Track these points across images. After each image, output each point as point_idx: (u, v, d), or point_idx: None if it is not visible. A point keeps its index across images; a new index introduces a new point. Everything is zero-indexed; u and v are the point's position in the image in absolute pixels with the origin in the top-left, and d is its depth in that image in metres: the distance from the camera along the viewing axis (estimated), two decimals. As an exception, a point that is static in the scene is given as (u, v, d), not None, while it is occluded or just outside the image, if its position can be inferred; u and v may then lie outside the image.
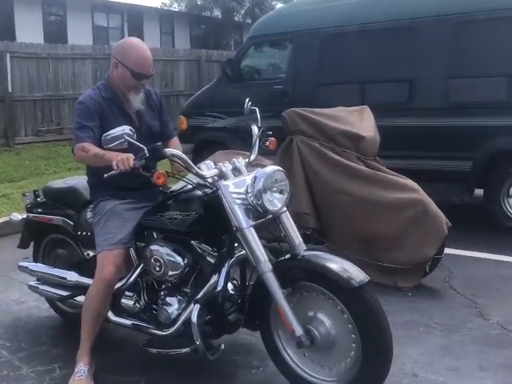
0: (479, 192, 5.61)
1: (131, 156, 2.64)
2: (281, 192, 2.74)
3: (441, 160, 5.54)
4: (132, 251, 3.17)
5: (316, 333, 2.65)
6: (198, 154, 6.68)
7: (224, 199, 2.70)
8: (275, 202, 2.72)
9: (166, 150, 2.66)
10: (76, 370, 2.97)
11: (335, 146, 4.41)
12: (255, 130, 3.10)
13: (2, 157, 10.13)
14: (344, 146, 4.40)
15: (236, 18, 26.31)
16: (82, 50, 12.82)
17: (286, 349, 2.85)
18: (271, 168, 2.72)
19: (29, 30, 17.60)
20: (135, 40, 3.11)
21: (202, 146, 7.05)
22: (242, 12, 26.69)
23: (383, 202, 4.10)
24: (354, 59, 6.13)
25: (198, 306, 2.78)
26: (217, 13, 26.43)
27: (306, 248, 2.79)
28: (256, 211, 2.72)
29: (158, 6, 24.67)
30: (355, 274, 2.55)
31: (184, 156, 2.72)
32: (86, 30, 20.62)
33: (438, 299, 3.98)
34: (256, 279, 2.82)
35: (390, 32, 5.83)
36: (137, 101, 3.08)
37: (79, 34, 19.29)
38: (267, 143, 3.15)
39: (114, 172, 2.65)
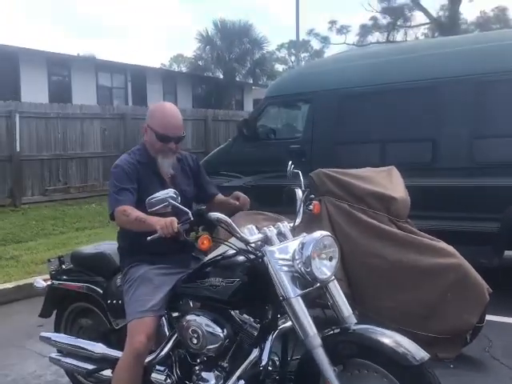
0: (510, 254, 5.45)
1: (175, 220, 2.56)
2: (330, 259, 2.59)
3: (467, 221, 5.40)
4: (164, 321, 3.00)
5: (370, 415, 2.44)
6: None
7: (270, 266, 2.55)
8: (324, 269, 2.57)
9: (211, 214, 2.55)
10: None
11: (365, 208, 4.28)
12: (299, 193, 2.99)
13: (9, 217, 10.01)
14: (374, 208, 4.26)
15: (237, 78, 26.77)
16: (91, 109, 12.91)
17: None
18: (320, 233, 2.58)
19: (34, 90, 17.77)
20: (165, 104, 3.08)
21: (218, 206, 6.93)
22: (243, 72, 27.20)
23: (419, 266, 3.94)
24: (372, 119, 6.09)
25: (242, 383, 2.59)
26: (218, 73, 26.92)
27: (356, 321, 2.62)
28: (303, 279, 2.57)
29: (158, 66, 25.05)
30: (414, 350, 2.37)
31: (228, 220, 2.59)
32: (90, 89, 20.85)
33: (483, 371, 3.78)
34: (302, 355, 2.64)
35: (411, 92, 5.80)
36: (165, 165, 3.01)
37: (84, 94, 19.49)
38: (311, 207, 3.03)
39: (156, 235, 2.57)
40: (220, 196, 3.34)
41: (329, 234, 2.62)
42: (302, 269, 2.52)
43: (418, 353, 2.35)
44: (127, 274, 3.00)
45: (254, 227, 2.77)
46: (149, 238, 2.60)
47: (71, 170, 12.08)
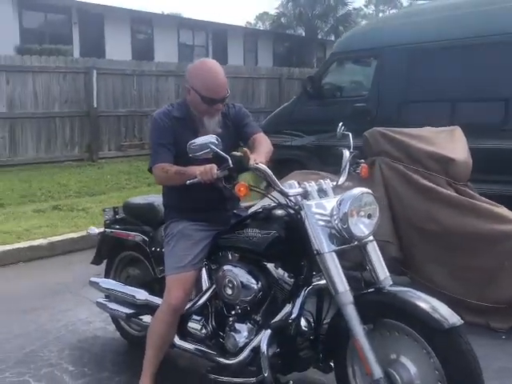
0: None
1: (214, 166, 2.57)
2: (369, 217, 2.50)
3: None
4: (204, 272, 3.03)
5: (397, 377, 2.37)
6: (275, 173, 6.50)
7: (306, 219, 2.50)
8: (361, 227, 2.48)
9: (251, 162, 2.51)
10: (141, 397, 2.81)
11: (422, 170, 4.09)
12: (346, 154, 2.88)
13: (86, 171, 10.35)
14: (432, 170, 4.06)
15: (319, 36, 26.25)
16: (166, 67, 13.03)
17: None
18: (359, 190, 2.49)
19: (118, 48, 18.22)
20: (207, 63, 2.92)
21: (279, 165, 6.84)
22: (326, 29, 26.62)
23: (476, 232, 3.74)
24: (444, 76, 5.75)
25: (268, 332, 2.59)
26: (300, 31, 26.48)
27: (392, 283, 2.52)
28: (340, 237, 2.50)
29: (243, 25, 24.97)
30: (447, 314, 2.26)
31: (268, 170, 2.54)
32: (172, 47, 21.13)
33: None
34: (334, 314, 2.59)
35: (486, 47, 5.43)
36: (212, 124, 2.93)
37: (165, 52, 19.78)
38: (358, 170, 2.91)
39: (196, 179, 2.60)
40: (259, 136, 3.00)
41: (369, 191, 2.52)
42: (339, 225, 2.45)
43: (452, 317, 2.25)
44: (168, 228, 3.02)
45: (295, 182, 2.71)
46: (188, 181, 2.63)
47: (146, 127, 12.28)
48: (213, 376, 2.77)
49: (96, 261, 3.77)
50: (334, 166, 4.69)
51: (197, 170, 2.62)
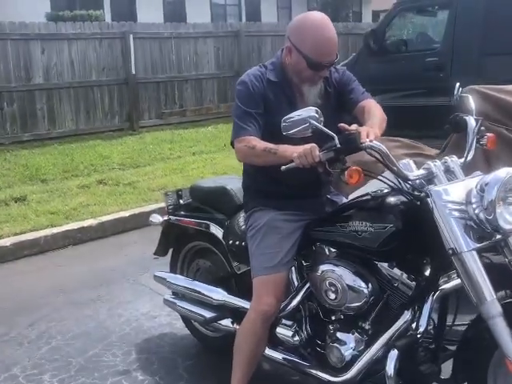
0: None
1: (315, 147, 2.06)
2: None
3: None
4: (293, 269, 2.55)
5: None
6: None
7: (436, 210, 2.01)
8: (508, 217, 1.95)
9: (363, 139, 2.00)
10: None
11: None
12: (471, 122, 2.32)
13: (127, 141, 9.92)
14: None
15: (355, -11, 25.12)
16: (204, 27, 12.40)
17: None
18: (505, 171, 1.95)
19: (149, 10, 17.65)
20: (318, 16, 2.34)
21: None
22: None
23: None
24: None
25: (395, 353, 2.11)
26: (335, -16, 25.33)
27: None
28: (479, 229, 1.99)
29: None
30: None
31: (385, 149, 2.04)
32: (204, 7, 20.42)
33: None
34: (473, 323, 2.11)
35: None
36: (312, 94, 2.39)
37: (198, 12, 19.09)
38: (484, 140, 2.35)
39: (293, 164, 2.13)
40: (368, 104, 2.44)
41: (517, 171, 1.98)
42: (482, 216, 1.95)
43: None
44: (250, 218, 2.53)
45: (410, 162, 2.22)
46: (283, 167, 2.13)
47: (186, 93, 11.77)
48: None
49: (160, 252, 3.32)
50: (404, 128, 4.13)
51: (293, 150, 2.12)
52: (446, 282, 2.24)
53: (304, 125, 2.06)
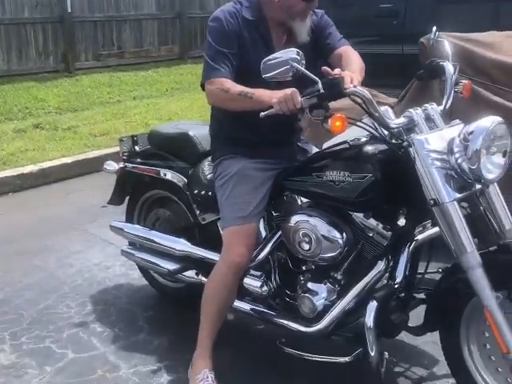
0: None
1: (296, 92, 1.95)
2: (504, 154, 1.95)
3: None
4: (261, 220, 2.47)
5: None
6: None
7: (418, 160, 1.96)
8: (490, 167, 1.93)
9: (347, 85, 1.92)
10: (199, 376, 2.29)
11: (489, 83, 3.50)
12: (450, 68, 2.25)
13: (63, 83, 9.44)
14: (502, 83, 3.47)
15: None
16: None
17: (478, 369, 2.10)
18: (491, 120, 1.91)
19: None
20: None
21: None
22: None
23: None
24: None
25: (374, 305, 2.08)
26: None
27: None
28: (459, 179, 1.95)
29: None
30: None
31: (368, 95, 1.96)
32: None
33: None
34: (447, 272, 2.12)
35: None
36: (304, 30, 2.25)
37: None
38: (458, 88, 2.29)
39: (272, 111, 2.01)
40: (345, 50, 2.34)
41: (501, 120, 1.94)
42: (465, 165, 1.91)
43: None
44: (219, 167, 2.41)
45: (389, 109, 2.14)
46: (262, 113, 2.01)
47: (125, 34, 11.23)
48: (291, 351, 2.27)
49: (115, 201, 3.15)
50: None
51: (272, 95, 2.01)
52: (421, 233, 2.23)
53: (285, 67, 1.94)
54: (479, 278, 1.90)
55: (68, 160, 5.47)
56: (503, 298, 1.93)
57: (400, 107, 3.29)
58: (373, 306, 2.06)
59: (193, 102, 8.16)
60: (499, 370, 2.05)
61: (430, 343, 2.55)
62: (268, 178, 2.35)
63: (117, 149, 5.53)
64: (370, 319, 2.05)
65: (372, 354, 2.03)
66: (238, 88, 2.13)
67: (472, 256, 1.91)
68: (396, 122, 2.04)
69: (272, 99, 1.99)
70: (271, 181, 2.36)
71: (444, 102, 2.21)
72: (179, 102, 8.20)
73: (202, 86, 2.26)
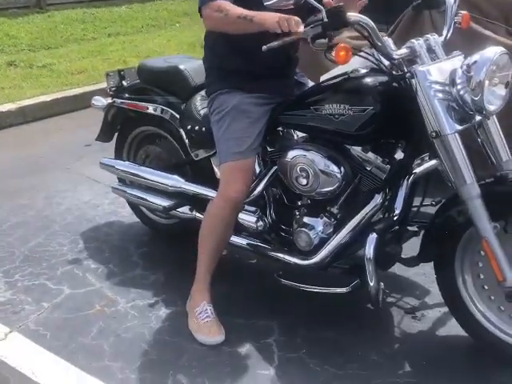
0: None
1: (299, 20, 1.90)
2: (506, 85, 1.96)
3: None
4: (257, 155, 2.45)
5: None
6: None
7: (421, 92, 1.95)
8: (492, 98, 1.93)
9: (351, 15, 1.88)
10: (197, 309, 2.33)
11: (478, 16, 3.46)
12: None
13: (35, 20, 9.07)
14: (490, 16, 3.46)
15: None
16: None
17: (472, 299, 2.16)
18: (494, 51, 1.90)
19: None
20: None
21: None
22: None
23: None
24: None
25: (374, 237, 2.10)
26: None
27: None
28: (460, 111, 1.95)
29: None
30: None
31: (372, 24, 1.93)
32: None
33: None
34: (443, 204, 2.14)
35: None
36: None
37: None
38: (457, 19, 2.26)
39: (275, 43, 1.92)
40: None
41: (504, 50, 1.93)
42: (467, 97, 1.90)
43: None
44: (215, 101, 2.35)
45: (389, 40, 2.11)
46: (264, 46, 1.95)
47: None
48: (288, 283, 2.30)
49: (103, 137, 3.10)
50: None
51: (273, 17, 1.93)
52: (419, 166, 2.24)
53: None
54: (478, 209, 1.93)
55: (47, 98, 5.34)
56: (500, 229, 1.96)
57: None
58: (373, 237, 2.08)
59: (170, 38, 7.97)
60: (492, 298, 2.12)
61: (421, 275, 2.61)
62: (264, 112, 2.31)
63: (97, 86, 5.48)
64: (370, 251, 2.07)
65: (371, 284, 2.07)
66: (237, 10, 2.04)
67: (472, 187, 1.93)
68: (398, 52, 2.02)
69: (271, 22, 1.92)
70: (267, 116, 2.32)
71: (444, 33, 2.18)
72: (156, 40, 8.01)
73: (199, 11, 2.17)
